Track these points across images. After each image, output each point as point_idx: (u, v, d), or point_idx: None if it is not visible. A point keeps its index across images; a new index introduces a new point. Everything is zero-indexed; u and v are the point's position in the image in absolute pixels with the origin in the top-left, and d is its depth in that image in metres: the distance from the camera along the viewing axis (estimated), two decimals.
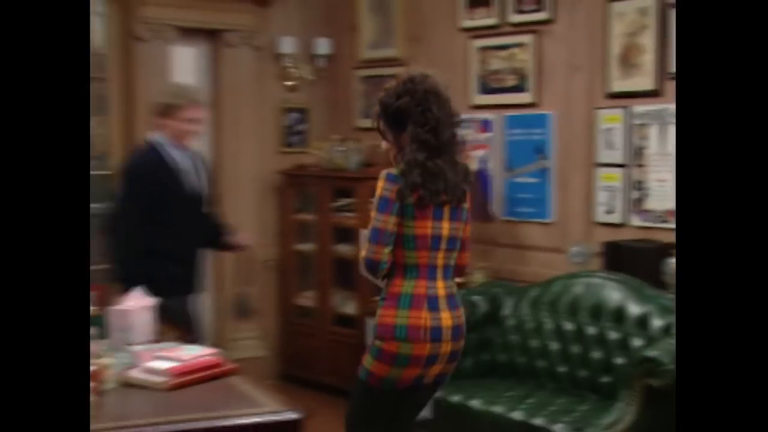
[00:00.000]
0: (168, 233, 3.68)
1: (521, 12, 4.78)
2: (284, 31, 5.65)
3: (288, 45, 5.64)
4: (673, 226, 3.86)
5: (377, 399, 2.85)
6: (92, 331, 2.81)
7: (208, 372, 2.68)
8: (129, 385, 2.59)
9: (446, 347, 2.82)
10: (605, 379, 3.83)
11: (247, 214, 5.48)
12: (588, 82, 4.51)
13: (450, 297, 2.86)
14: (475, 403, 3.83)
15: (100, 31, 5.03)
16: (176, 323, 3.41)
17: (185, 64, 5.35)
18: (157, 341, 3.01)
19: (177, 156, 3.72)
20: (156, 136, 3.74)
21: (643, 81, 4.24)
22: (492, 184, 4.96)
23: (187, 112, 3.71)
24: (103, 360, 2.58)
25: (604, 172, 4.45)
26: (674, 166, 3.72)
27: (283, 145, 5.82)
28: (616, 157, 4.38)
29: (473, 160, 5.01)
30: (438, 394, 3.90)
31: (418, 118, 2.79)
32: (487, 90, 4.98)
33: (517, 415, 3.69)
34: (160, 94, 3.90)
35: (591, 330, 3.95)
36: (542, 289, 4.25)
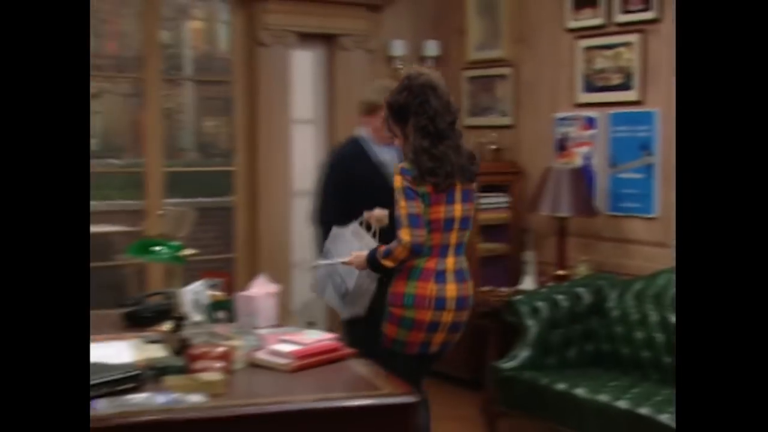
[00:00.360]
0: (368, 225, 3.57)
1: (627, 12, 4.66)
2: (395, 35, 5.67)
3: (399, 47, 5.65)
4: None
5: (391, 360, 2.91)
6: (221, 314, 2.90)
7: (329, 355, 2.70)
8: (255, 365, 2.63)
9: (448, 316, 3.03)
10: None
11: None
12: None
13: (459, 271, 3.07)
14: (581, 392, 3.75)
15: (225, 38, 5.15)
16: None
17: (303, 67, 5.43)
18: (279, 325, 3.06)
19: (379, 151, 3.66)
20: (360, 132, 3.73)
21: None
22: (596, 179, 4.85)
23: None
24: (233, 342, 2.64)
25: None
26: None
27: None
28: None
29: (577, 156, 4.93)
30: (543, 381, 3.88)
31: (417, 109, 2.99)
32: (591, 88, 4.88)
33: (622, 404, 3.59)
34: (365, 92, 3.85)
35: None
36: (647, 282, 4.13)
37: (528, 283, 4.90)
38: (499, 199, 5.30)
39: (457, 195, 3.04)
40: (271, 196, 5.26)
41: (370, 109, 3.67)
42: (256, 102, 5.22)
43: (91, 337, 2.88)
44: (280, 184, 5.27)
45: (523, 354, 4.09)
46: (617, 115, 4.75)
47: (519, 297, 4.32)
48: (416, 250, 2.96)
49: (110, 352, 2.66)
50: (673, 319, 3.90)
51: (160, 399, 2.24)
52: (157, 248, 2.99)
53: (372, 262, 3.10)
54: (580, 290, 4.23)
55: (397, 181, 2.98)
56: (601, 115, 4.83)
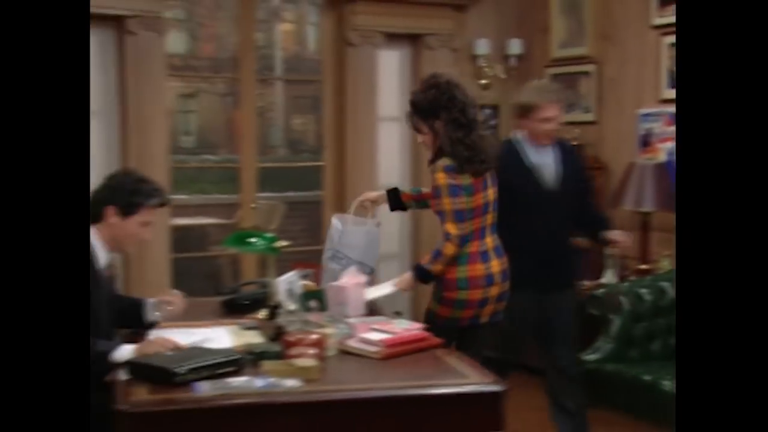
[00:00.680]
0: (520, 229, 3.48)
1: None
2: (479, 34, 5.62)
3: (482, 46, 5.59)
4: None
5: (441, 333, 2.90)
6: (313, 303, 2.93)
7: (417, 344, 2.69)
8: (346, 353, 2.65)
9: (495, 290, 3.18)
10: None
11: None
12: None
13: (496, 248, 3.23)
14: (667, 384, 3.65)
15: (314, 38, 5.19)
16: (513, 320, 3.41)
17: (390, 66, 5.44)
18: (369, 315, 3.08)
19: (534, 154, 3.59)
20: (517, 135, 3.67)
21: None
22: None
23: (541, 112, 3.54)
24: (326, 329, 2.66)
25: None
26: None
27: None
28: None
29: (661, 151, 4.81)
30: (631, 373, 3.79)
31: (447, 104, 3.08)
32: None
33: None
34: (520, 94, 3.73)
35: None
36: None
37: (609, 277, 4.80)
38: None
39: (489, 180, 3.19)
40: (358, 190, 5.24)
41: (525, 111, 3.59)
42: (344, 100, 5.25)
43: (193, 322, 2.97)
44: (366, 179, 5.28)
45: (606, 346, 4.01)
46: None
47: (602, 290, 4.24)
48: (463, 242, 3.09)
49: (212, 335, 2.73)
50: None
51: (258, 383, 2.28)
52: (253, 240, 3.04)
53: (421, 274, 3.15)
54: (665, 284, 4.11)
55: (441, 179, 3.07)
56: None
